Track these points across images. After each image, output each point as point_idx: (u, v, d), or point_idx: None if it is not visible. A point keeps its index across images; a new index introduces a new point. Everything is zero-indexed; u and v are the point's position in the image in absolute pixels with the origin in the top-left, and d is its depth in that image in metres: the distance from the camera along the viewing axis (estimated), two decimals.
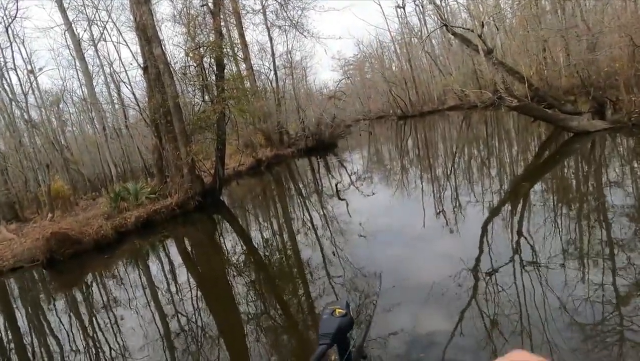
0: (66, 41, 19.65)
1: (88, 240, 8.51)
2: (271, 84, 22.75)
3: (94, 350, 4.61)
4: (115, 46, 37.98)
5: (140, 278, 7.12)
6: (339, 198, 9.12)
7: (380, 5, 50.61)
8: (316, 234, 7.14)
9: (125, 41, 27.26)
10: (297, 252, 6.48)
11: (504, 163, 10.36)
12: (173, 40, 34.70)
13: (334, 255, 5.74)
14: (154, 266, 7.73)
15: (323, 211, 8.83)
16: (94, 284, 7.38)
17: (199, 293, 5.71)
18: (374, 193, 8.99)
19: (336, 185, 10.03)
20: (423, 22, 34.57)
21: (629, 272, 3.57)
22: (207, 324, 4.62)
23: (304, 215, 9.08)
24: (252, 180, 16.48)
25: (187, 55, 12.65)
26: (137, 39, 12.28)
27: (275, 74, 22.46)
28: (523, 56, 17.91)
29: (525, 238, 4.91)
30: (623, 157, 8.14)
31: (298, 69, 26.34)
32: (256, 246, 7.47)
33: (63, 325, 5.49)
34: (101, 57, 20.03)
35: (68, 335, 5.11)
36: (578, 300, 3.24)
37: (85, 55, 16.04)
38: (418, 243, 5.60)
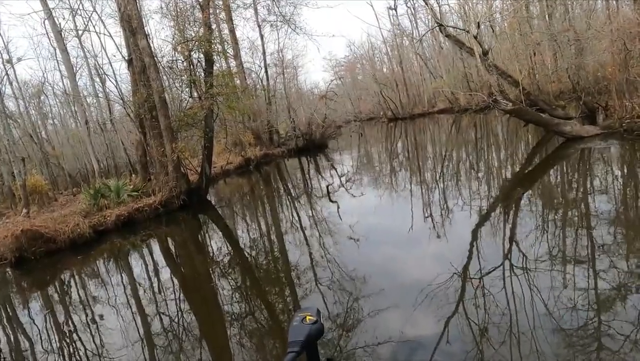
0: (46, 30, 18.94)
1: (63, 239, 8.06)
2: (261, 82, 22.41)
3: (67, 351, 4.39)
4: (99, 38, 36.95)
5: (120, 278, 6.79)
6: (330, 200, 8.88)
7: (372, 5, 50.75)
8: (304, 235, 6.96)
9: (109, 33, 26.39)
10: (285, 254, 6.32)
11: (497, 168, 10.28)
12: (160, 34, 34.18)
13: (322, 257, 5.62)
14: (134, 266, 7.39)
15: (312, 212, 8.61)
16: (68, 285, 6.99)
17: (182, 294, 5.52)
18: (363, 195, 8.80)
19: (327, 187, 9.81)
20: (414, 25, 34.72)
21: (615, 277, 3.56)
22: (189, 325, 4.46)
23: (292, 216, 8.84)
24: (240, 179, 16.13)
25: (174, 49, 12.26)
26: (121, 30, 11.83)
27: (266, 71, 22.15)
28: (513, 60, 18.00)
29: (516, 243, 4.85)
30: (617, 164, 8.10)
31: (289, 68, 26.05)
32: (242, 247, 7.26)
33: (35, 326, 5.17)
34: (85, 49, 19.33)
35: (41, 337, 4.81)
36: (564, 307, 3.20)
37: (67, 46, 15.40)
38: (408, 246, 5.51)
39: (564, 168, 8.50)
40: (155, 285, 6.12)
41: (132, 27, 10.57)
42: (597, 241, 4.41)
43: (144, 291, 5.84)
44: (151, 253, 8.12)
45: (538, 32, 15.61)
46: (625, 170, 7.50)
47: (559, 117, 11.37)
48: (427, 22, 32.37)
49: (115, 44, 36.33)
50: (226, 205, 11.81)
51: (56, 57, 20.16)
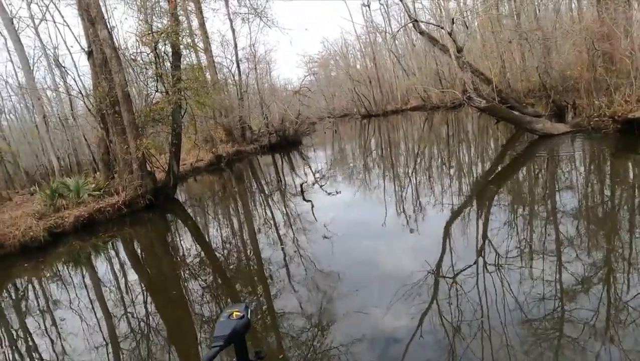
0: None
1: (12, 243, 7.38)
2: (233, 77, 21.75)
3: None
4: (57, 28, 34.73)
5: (80, 283, 6.31)
6: (304, 199, 8.62)
7: (345, 1, 50.96)
8: (278, 235, 6.76)
9: (66, 23, 24.51)
10: (258, 254, 6.13)
11: (470, 165, 10.33)
12: (124, 25, 32.71)
13: (296, 256, 5.48)
14: (96, 270, 6.90)
15: (286, 210, 8.37)
16: (16, 294, 6.39)
17: (148, 297, 5.26)
18: (338, 193, 8.62)
19: (301, 185, 9.53)
20: (387, 22, 34.90)
21: (581, 270, 3.64)
22: (156, 330, 4.25)
23: (265, 214, 8.54)
24: (211, 176, 15.60)
25: (140, 41, 11.55)
26: (80, 20, 11.02)
27: (238, 66, 21.47)
28: (484, 58, 18.31)
29: (489, 240, 4.87)
30: (584, 162, 8.26)
31: (262, 63, 25.41)
32: (213, 247, 7.01)
33: None
34: (42, 40, 18.03)
35: None
36: (532, 300, 3.27)
37: (22, 35, 14.25)
38: (382, 244, 5.44)
39: (535, 166, 8.60)
40: (120, 289, 5.74)
41: (91, 16, 9.85)
42: (564, 236, 4.51)
43: (109, 297, 5.47)
44: (117, 256, 7.63)
45: (508, 30, 15.90)
46: (592, 168, 7.66)
47: (529, 114, 11.58)
48: (399, 19, 32.61)
49: (73, 35, 34.08)
50: (196, 203, 11.32)
51: (7, 47, 18.70)
